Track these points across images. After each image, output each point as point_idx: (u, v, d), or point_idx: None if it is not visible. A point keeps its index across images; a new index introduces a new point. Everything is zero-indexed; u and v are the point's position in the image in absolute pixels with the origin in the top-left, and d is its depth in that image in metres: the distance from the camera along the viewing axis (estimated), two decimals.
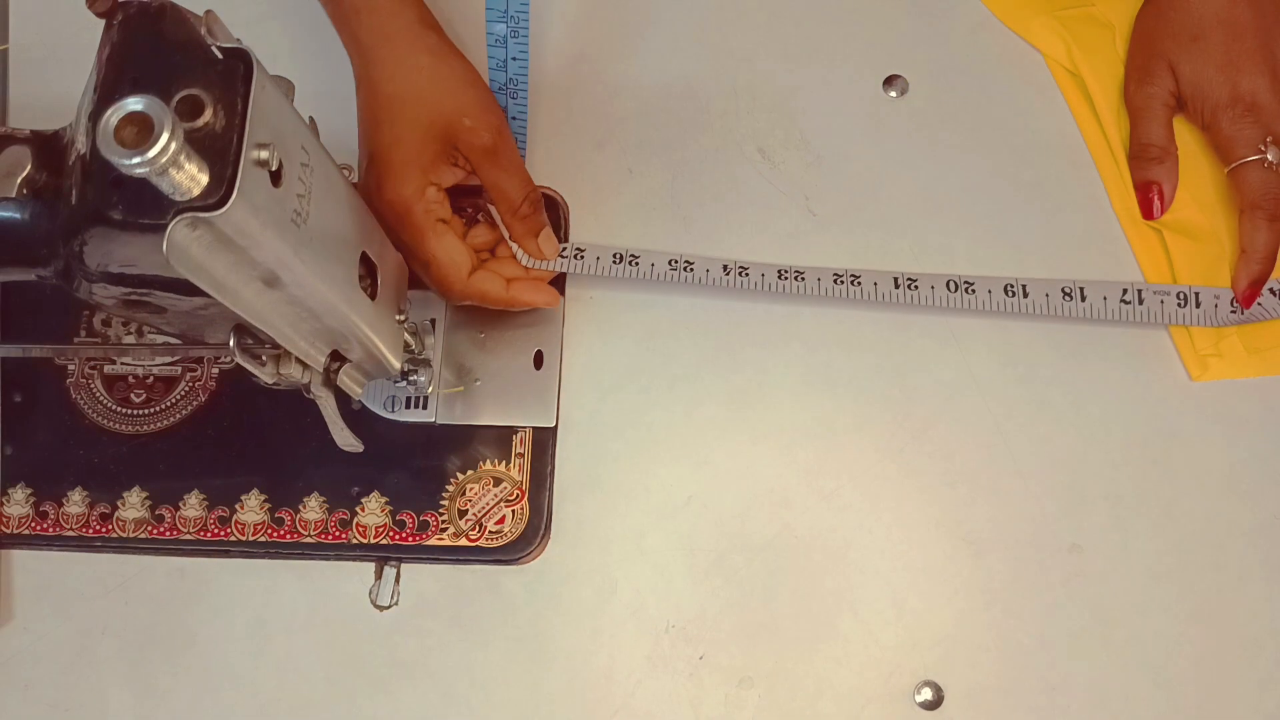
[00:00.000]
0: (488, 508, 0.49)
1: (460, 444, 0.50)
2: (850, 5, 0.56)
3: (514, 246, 0.49)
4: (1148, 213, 0.52)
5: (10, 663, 0.48)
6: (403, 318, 0.45)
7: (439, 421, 0.50)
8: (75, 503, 0.50)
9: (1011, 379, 0.50)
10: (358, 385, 0.41)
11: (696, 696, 0.47)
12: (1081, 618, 0.47)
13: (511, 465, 0.49)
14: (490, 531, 0.49)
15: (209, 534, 0.49)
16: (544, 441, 0.50)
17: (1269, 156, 0.49)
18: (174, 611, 0.49)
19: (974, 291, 0.50)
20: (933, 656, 0.47)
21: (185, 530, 0.49)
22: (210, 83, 0.30)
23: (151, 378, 0.51)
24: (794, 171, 0.54)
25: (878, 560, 0.48)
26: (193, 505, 0.49)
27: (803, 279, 0.50)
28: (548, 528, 0.49)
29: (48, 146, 0.33)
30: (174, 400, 0.51)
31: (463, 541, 0.49)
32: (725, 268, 0.50)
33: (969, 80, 0.55)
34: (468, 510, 0.49)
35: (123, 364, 0.51)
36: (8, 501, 0.50)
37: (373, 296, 0.41)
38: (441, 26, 0.51)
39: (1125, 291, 0.50)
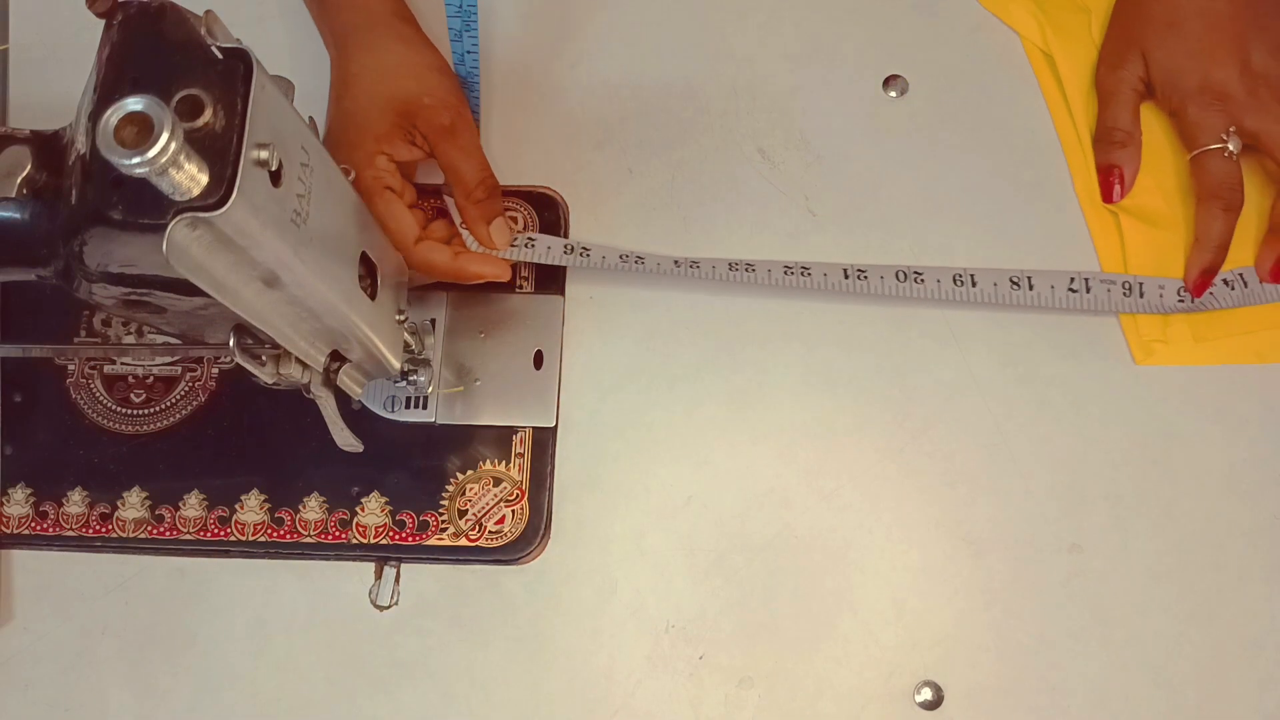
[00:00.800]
0: (488, 508, 0.49)
1: (460, 444, 0.50)
2: (850, 5, 0.56)
3: (465, 235, 0.49)
4: (1108, 196, 0.52)
5: (10, 663, 0.48)
6: (403, 318, 0.45)
7: (439, 421, 0.50)
8: (75, 503, 0.49)
9: (1011, 379, 0.50)
10: (358, 385, 0.41)
11: (696, 696, 0.47)
12: (1081, 618, 0.47)
13: (511, 465, 0.49)
14: (490, 531, 0.49)
15: (209, 534, 0.49)
16: (544, 441, 0.50)
17: (1230, 146, 0.49)
18: (174, 611, 0.49)
19: (923, 281, 0.50)
20: (933, 656, 0.47)
21: (185, 530, 0.49)
22: (210, 83, 0.30)
23: (151, 378, 0.51)
24: (794, 171, 0.54)
25: (878, 560, 0.48)
26: (193, 505, 0.49)
27: (753, 270, 0.50)
28: (548, 528, 0.49)
29: (48, 146, 0.33)
30: (174, 400, 0.51)
31: (463, 541, 0.49)
32: (676, 262, 0.50)
33: (969, 80, 0.55)
34: (468, 510, 0.49)
35: (123, 364, 0.51)
36: (8, 501, 0.50)
37: (373, 296, 0.41)
38: (417, 21, 0.52)
39: (1073, 280, 0.50)
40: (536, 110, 0.55)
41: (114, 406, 0.51)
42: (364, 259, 0.41)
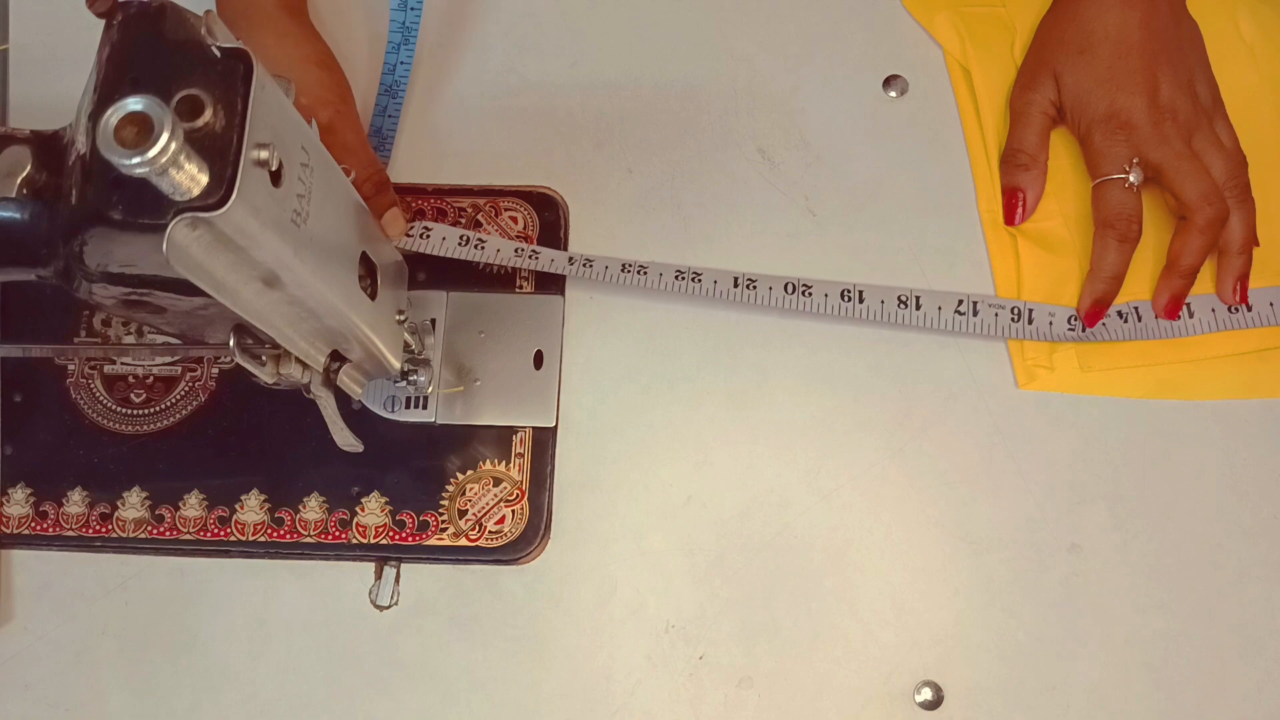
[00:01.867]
0: (488, 508, 0.49)
1: (460, 444, 0.50)
2: (850, 5, 0.56)
3: None
4: (1009, 218, 0.52)
5: (10, 663, 0.48)
6: (403, 318, 0.45)
7: (439, 421, 0.50)
8: (75, 503, 0.50)
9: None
10: (358, 385, 0.41)
11: (696, 696, 0.47)
12: (1081, 618, 0.47)
13: (511, 465, 0.49)
14: (490, 531, 0.49)
15: (209, 534, 0.49)
16: (544, 441, 0.50)
17: (1131, 178, 0.48)
18: (174, 611, 0.49)
19: (811, 294, 0.50)
20: (933, 656, 0.47)
21: (185, 530, 0.49)
22: (210, 83, 0.30)
23: (151, 378, 0.51)
24: (794, 171, 0.54)
25: (878, 560, 0.48)
26: (193, 505, 0.49)
27: (645, 273, 0.50)
28: (548, 528, 0.49)
29: (48, 146, 0.33)
30: (174, 400, 0.51)
31: (463, 541, 0.49)
32: (571, 259, 0.50)
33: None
34: (468, 510, 0.49)
35: (123, 364, 0.51)
36: (8, 501, 0.50)
37: (373, 296, 0.41)
38: (307, 13, 0.52)
39: (960, 303, 0.50)
40: (536, 110, 0.55)
41: (114, 406, 0.51)
42: (364, 259, 0.41)
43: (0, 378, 0.51)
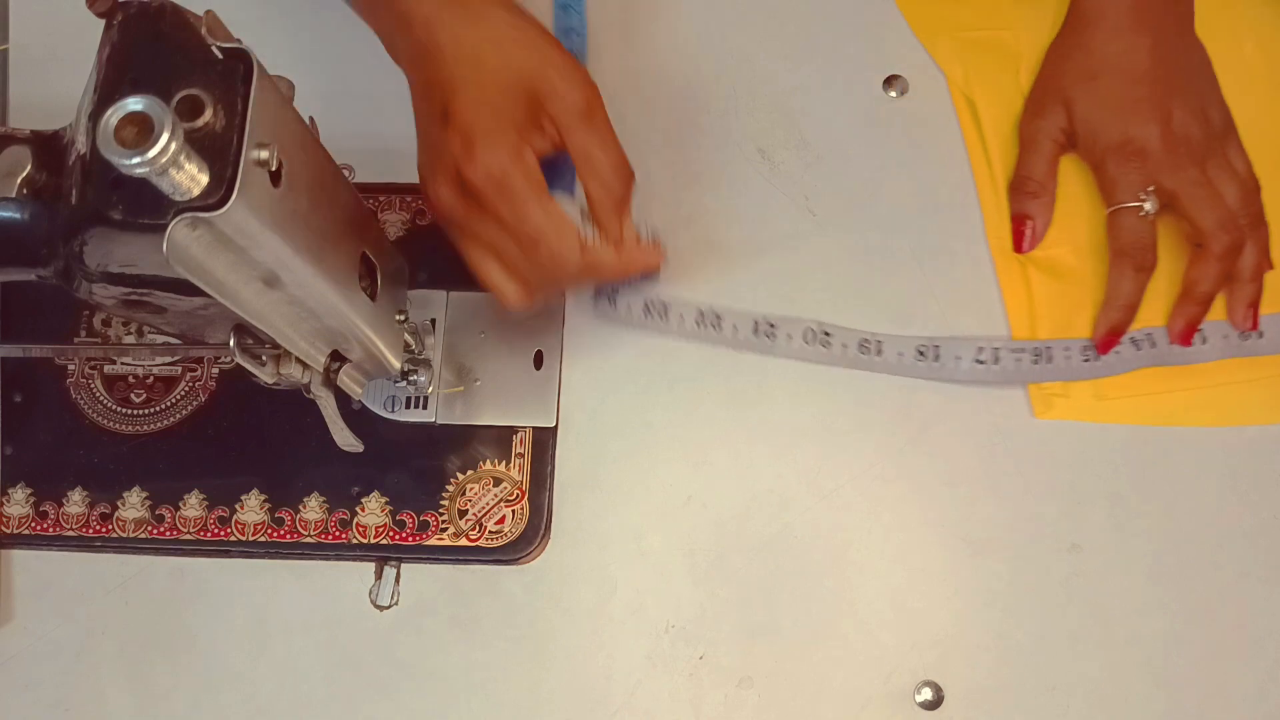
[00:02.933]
0: (488, 508, 0.49)
1: (460, 444, 0.50)
2: (850, 5, 0.56)
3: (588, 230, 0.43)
4: (1018, 245, 0.51)
5: (10, 663, 0.48)
6: (403, 318, 0.45)
7: (439, 421, 0.50)
8: (75, 503, 0.50)
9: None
10: (358, 385, 0.41)
11: (696, 696, 0.47)
12: (1081, 618, 0.47)
13: (511, 465, 0.49)
14: (490, 531, 0.49)
15: (209, 534, 0.49)
16: (544, 441, 0.50)
17: (1146, 206, 0.48)
18: (174, 611, 0.49)
19: (830, 344, 0.50)
20: (933, 656, 0.47)
21: (185, 530, 0.49)
22: (210, 83, 0.30)
23: (151, 378, 0.51)
24: (794, 171, 0.54)
25: (878, 560, 0.48)
26: (193, 505, 0.49)
27: (665, 317, 0.50)
28: (548, 528, 0.49)
29: (48, 146, 0.33)
30: (174, 400, 0.51)
31: (463, 541, 0.49)
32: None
33: None
34: (468, 510, 0.49)
35: (123, 364, 0.51)
36: (8, 501, 0.50)
37: (373, 296, 0.41)
38: None
39: (981, 350, 0.49)
40: None
41: (114, 406, 0.51)
42: (364, 259, 0.41)
43: (0, 378, 0.51)
